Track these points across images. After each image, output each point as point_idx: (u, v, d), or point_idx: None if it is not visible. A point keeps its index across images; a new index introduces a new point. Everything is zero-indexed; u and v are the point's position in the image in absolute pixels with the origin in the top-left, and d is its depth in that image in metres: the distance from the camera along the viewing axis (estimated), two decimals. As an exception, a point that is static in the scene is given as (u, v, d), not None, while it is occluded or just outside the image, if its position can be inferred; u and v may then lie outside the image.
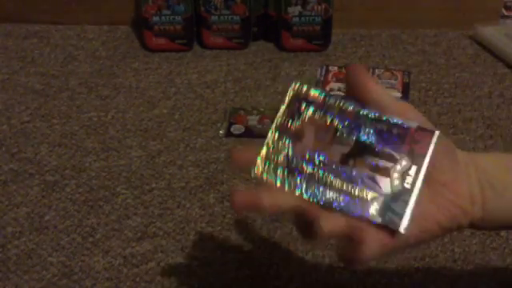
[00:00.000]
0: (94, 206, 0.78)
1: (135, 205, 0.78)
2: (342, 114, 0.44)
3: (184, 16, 1.05)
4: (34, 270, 0.69)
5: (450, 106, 0.95)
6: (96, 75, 1.02)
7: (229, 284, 0.68)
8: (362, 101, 0.44)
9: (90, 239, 0.73)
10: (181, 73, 1.03)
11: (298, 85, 0.45)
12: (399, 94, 0.97)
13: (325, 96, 0.44)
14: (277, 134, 0.45)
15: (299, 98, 0.45)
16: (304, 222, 0.42)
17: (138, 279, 0.68)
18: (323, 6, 1.04)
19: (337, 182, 0.42)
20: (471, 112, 0.94)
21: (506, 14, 1.16)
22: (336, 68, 1.01)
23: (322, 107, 0.44)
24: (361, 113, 0.43)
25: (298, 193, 0.43)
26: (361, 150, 0.43)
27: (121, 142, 0.88)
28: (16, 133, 0.89)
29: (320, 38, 1.07)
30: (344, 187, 0.42)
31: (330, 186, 0.42)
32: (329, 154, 0.43)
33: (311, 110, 0.44)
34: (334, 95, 0.45)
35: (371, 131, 0.43)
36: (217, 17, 1.06)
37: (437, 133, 0.42)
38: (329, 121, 0.44)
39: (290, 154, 0.44)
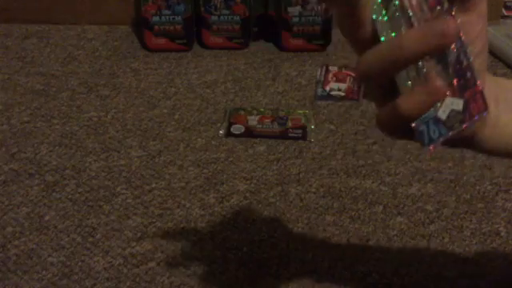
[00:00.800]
0: (93, 206, 0.78)
1: (135, 205, 0.78)
2: (447, 12, 0.39)
3: (184, 16, 1.05)
4: (34, 270, 0.69)
5: (450, 106, 0.95)
6: (96, 75, 1.02)
7: (229, 284, 0.68)
8: None
9: (90, 239, 0.73)
10: (181, 73, 1.03)
11: None
12: (399, 94, 0.97)
13: None
14: None
15: None
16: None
17: (137, 279, 0.68)
18: (323, 6, 1.04)
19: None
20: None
21: (505, 14, 1.16)
22: (336, 68, 1.01)
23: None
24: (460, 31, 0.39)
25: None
26: (439, 56, 0.40)
27: (121, 142, 0.88)
28: (16, 133, 0.90)
29: (320, 38, 1.07)
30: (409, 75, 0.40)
31: None
32: (418, 25, 0.39)
33: None
34: None
35: (455, 52, 0.40)
36: (217, 17, 1.06)
37: (488, 111, 0.40)
38: (438, 3, 0.39)
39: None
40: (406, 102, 0.39)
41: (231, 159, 0.85)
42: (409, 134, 0.41)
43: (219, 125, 0.91)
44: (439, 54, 0.39)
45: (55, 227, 0.74)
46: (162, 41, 1.07)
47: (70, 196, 0.79)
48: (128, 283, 0.68)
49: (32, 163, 0.84)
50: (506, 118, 0.44)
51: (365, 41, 0.41)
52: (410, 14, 0.39)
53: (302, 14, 1.05)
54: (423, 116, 0.40)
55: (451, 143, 0.43)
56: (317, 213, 0.77)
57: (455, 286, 0.68)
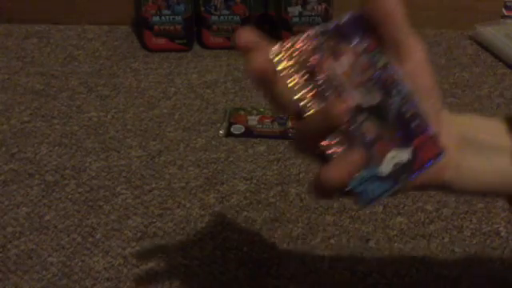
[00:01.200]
0: (93, 206, 0.78)
1: (135, 205, 0.78)
2: (383, 69, 0.40)
3: (184, 16, 1.05)
4: (34, 270, 0.69)
5: (450, 106, 0.95)
6: (96, 75, 1.02)
7: (229, 284, 0.68)
8: (378, 26, 0.39)
9: (90, 239, 0.73)
10: (181, 73, 1.03)
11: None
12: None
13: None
14: (317, 36, 0.40)
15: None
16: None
17: (138, 279, 0.68)
18: (323, 6, 1.04)
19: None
20: (471, 112, 0.94)
21: (506, 14, 1.16)
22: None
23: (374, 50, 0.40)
24: (401, 81, 0.39)
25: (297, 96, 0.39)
26: (377, 112, 0.39)
27: (121, 142, 0.88)
28: (16, 133, 0.89)
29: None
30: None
31: None
32: (348, 92, 0.39)
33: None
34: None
35: (396, 105, 0.39)
36: (217, 17, 1.06)
37: (443, 155, 0.40)
38: (371, 67, 0.40)
39: (315, 60, 0.39)
40: (329, 172, 0.39)
41: (231, 159, 0.85)
42: (346, 195, 0.40)
43: (219, 125, 0.91)
44: (376, 111, 0.39)
45: (55, 227, 0.74)
46: (162, 41, 1.07)
47: (69, 196, 0.79)
48: (128, 283, 0.68)
49: (32, 163, 0.84)
50: (470, 161, 0.43)
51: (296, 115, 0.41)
52: (337, 82, 0.39)
53: (302, 14, 1.05)
54: (360, 176, 0.39)
55: (419, 188, 0.42)
56: (317, 213, 0.77)
57: (455, 286, 0.68)
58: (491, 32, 1.10)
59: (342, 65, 0.39)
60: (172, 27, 1.06)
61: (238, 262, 0.70)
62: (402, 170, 0.39)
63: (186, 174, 0.82)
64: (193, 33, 1.09)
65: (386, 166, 0.39)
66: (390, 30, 0.39)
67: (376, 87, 0.39)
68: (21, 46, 1.09)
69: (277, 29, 1.07)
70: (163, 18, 1.05)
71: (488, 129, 0.45)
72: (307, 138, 0.40)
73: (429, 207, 0.78)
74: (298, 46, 0.40)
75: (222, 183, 0.81)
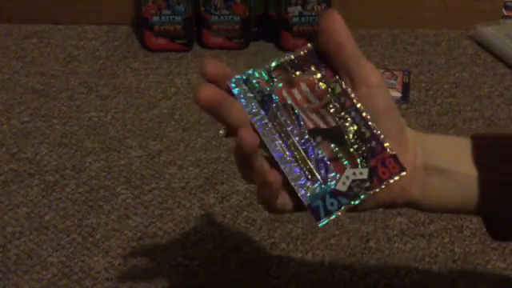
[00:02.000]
0: (93, 206, 0.78)
1: (135, 205, 0.78)
2: (340, 95, 0.43)
3: (184, 16, 1.05)
4: (34, 270, 0.69)
5: (450, 106, 0.95)
6: (96, 75, 1.02)
7: (229, 284, 0.68)
8: (332, 56, 0.42)
9: (90, 239, 0.73)
10: (181, 73, 1.03)
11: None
12: (399, 94, 0.97)
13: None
14: (272, 70, 0.43)
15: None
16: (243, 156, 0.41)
17: (138, 279, 0.68)
18: (323, 6, 1.04)
19: (294, 144, 0.42)
20: (471, 112, 0.94)
21: (506, 14, 1.16)
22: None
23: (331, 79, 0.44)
24: (357, 106, 0.42)
25: (255, 124, 0.41)
26: (334, 134, 0.42)
27: (121, 142, 0.88)
28: (16, 133, 0.90)
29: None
30: (297, 153, 0.41)
31: (286, 143, 0.42)
32: (306, 116, 0.42)
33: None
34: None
35: (353, 128, 0.42)
36: (217, 17, 1.06)
37: (403, 173, 0.42)
38: (328, 94, 0.43)
39: (272, 89, 0.43)
40: (258, 193, 0.42)
41: (231, 159, 0.85)
42: (302, 210, 0.42)
43: (219, 125, 0.91)
44: (333, 133, 0.42)
45: (55, 227, 0.74)
46: (162, 41, 1.07)
47: (70, 196, 0.79)
48: (128, 283, 0.68)
49: (32, 163, 0.84)
50: (434, 182, 0.45)
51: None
52: (296, 110, 0.42)
53: (302, 14, 1.05)
54: (317, 192, 0.41)
55: (386, 205, 0.45)
56: (317, 213, 0.76)
57: (455, 285, 0.68)
58: (491, 32, 1.10)
59: (300, 92, 0.43)
60: (172, 27, 1.06)
61: (238, 262, 0.70)
62: (359, 187, 0.42)
63: (185, 174, 0.82)
64: (193, 33, 1.09)
65: (343, 184, 0.42)
66: (343, 59, 0.42)
67: (333, 112, 0.42)
68: (21, 46, 1.09)
69: (277, 29, 1.07)
70: (163, 18, 1.05)
71: (453, 149, 0.46)
72: (239, 163, 0.42)
73: (429, 207, 0.78)
74: (256, 76, 0.43)
75: (222, 183, 0.81)
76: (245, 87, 0.42)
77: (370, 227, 0.75)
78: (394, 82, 0.99)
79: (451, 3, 1.11)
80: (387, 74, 1.01)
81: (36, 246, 0.72)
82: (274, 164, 0.42)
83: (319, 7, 1.04)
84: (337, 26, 0.41)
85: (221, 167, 0.84)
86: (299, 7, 1.04)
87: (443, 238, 0.73)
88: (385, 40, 1.11)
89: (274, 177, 0.40)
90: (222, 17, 1.06)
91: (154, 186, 0.80)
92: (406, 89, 0.98)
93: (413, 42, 1.09)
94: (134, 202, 0.78)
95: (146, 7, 1.04)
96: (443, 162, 0.45)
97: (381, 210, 0.77)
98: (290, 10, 1.04)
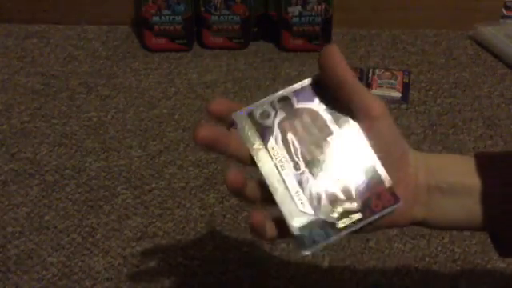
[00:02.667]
0: (94, 206, 0.78)
1: (135, 205, 0.78)
2: (342, 127, 0.44)
3: (184, 16, 1.05)
4: (34, 270, 0.69)
5: (450, 106, 0.95)
6: (96, 75, 1.02)
7: (229, 284, 0.68)
8: (333, 88, 0.43)
9: (90, 239, 0.73)
10: (181, 73, 1.03)
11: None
12: (399, 94, 0.97)
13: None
14: (277, 102, 0.45)
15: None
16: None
17: (138, 279, 0.68)
18: (323, 6, 1.04)
19: (289, 175, 0.42)
20: (471, 112, 0.94)
21: (506, 14, 1.16)
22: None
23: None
24: (356, 136, 0.43)
25: (252, 152, 0.43)
26: (330, 166, 0.43)
27: (121, 142, 0.88)
28: (16, 133, 0.90)
29: (320, 37, 1.07)
30: (290, 183, 0.42)
31: (281, 173, 0.42)
32: (304, 147, 0.43)
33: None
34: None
35: (351, 157, 0.43)
36: (217, 17, 1.06)
37: (400, 204, 0.42)
38: (330, 125, 0.44)
39: (274, 120, 0.44)
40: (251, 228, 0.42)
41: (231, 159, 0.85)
42: (287, 237, 0.43)
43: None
44: (331, 164, 0.43)
45: (55, 227, 0.74)
46: (162, 41, 1.07)
47: (69, 196, 0.79)
48: (128, 283, 0.68)
49: (32, 163, 0.84)
50: (439, 201, 0.45)
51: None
52: (295, 141, 0.43)
53: (302, 14, 1.04)
54: (306, 223, 0.41)
55: (387, 227, 0.45)
56: (317, 213, 0.77)
57: (455, 286, 0.68)
58: (491, 32, 1.10)
59: (301, 123, 0.44)
60: (172, 27, 1.06)
61: (237, 261, 0.70)
62: (350, 219, 0.42)
63: (185, 174, 0.82)
64: (193, 33, 1.09)
65: (334, 215, 0.42)
66: (345, 93, 0.42)
67: (334, 143, 0.43)
68: (21, 46, 1.10)
69: (277, 29, 1.07)
70: (163, 17, 1.05)
71: (457, 168, 0.46)
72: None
73: (429, 207, 0.78)
74: (259, 108, 0.44)
75: (222, 183, 0.81)
76: (247, 120, 0.44)
77: (369, 227, 0.75)
78: (393, 82, 0.99)
79: (451, 3, 1.11)
80: (387, 73, 1.01)
81: (36, 245, 0.72)
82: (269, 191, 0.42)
83: (319, 7, 1.04)
84: (336, 62, 0.42)
85: (221, 167, 0.84)
86: (299, 7, 1.04)
87: (443, 238, 0.73)
88: (385, 40, 1.11)
89: (255, 219, 0.41)
90: (222, 17, 1.06)
91: (153, 185, 0.80)
92: (405, 89, 0.98)
93: (413, 42, 1.09)
94: (133, 201, 0.78)
95: (145, 7, 1.04)
96: (447, 180, 0.45)
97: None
98: (289, 9, 1.04)
